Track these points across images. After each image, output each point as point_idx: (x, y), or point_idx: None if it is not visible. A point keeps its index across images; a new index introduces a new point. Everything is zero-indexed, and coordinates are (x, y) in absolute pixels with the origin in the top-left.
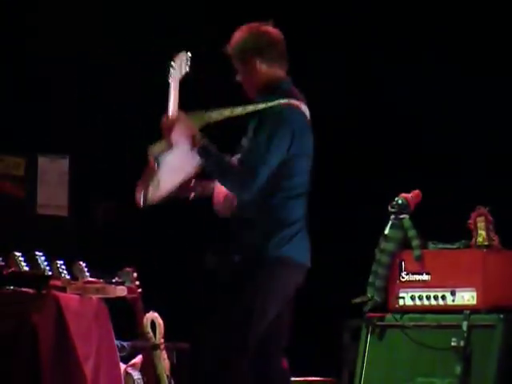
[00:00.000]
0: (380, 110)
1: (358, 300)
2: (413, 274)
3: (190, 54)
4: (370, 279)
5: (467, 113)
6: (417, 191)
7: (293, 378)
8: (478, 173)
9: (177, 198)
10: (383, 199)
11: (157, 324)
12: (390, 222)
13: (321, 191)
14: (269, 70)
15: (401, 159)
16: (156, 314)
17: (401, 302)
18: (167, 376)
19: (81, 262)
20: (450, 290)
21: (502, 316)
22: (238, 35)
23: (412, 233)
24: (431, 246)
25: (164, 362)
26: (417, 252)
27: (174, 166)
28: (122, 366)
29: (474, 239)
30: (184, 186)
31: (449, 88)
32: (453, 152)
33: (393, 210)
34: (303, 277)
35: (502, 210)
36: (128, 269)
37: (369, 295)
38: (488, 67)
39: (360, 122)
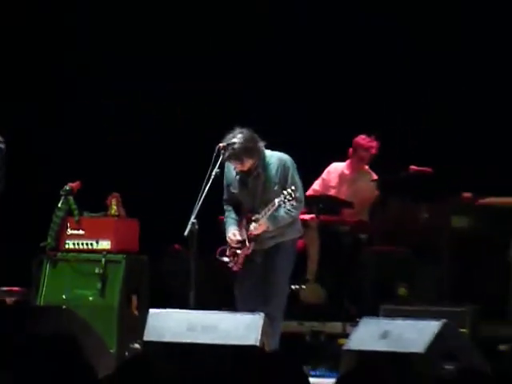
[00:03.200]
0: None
1: (43, 244)
2: (74, 229)
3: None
4: (50, 232)
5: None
6: (78, 182)
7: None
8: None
9: None
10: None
11: None
12: (61, 199)
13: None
14: None
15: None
16: None
17: (67, 246)
18: None
19: None
20: (95, 240)
21: (124, 256)
22: None
23: (74, 207)
24: (85, 214)
25: None
26: (76, 218)
27: None
28: None
29: (109, 211)
30: None
31: None
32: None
33: (63, 192)
34: None
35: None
36: None
37: (49, 240)
38: None
39: None
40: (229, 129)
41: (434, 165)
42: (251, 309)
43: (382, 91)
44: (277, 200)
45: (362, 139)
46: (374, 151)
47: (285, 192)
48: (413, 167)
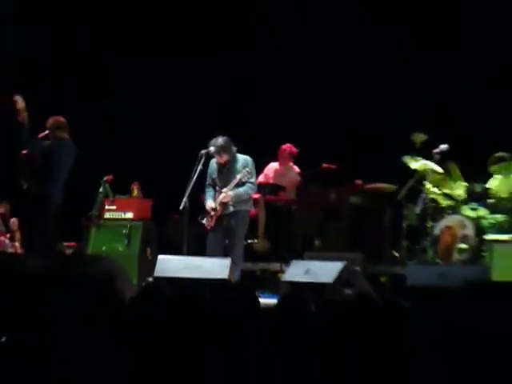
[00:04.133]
0: None
1: (90, 214)
2: (110, 206)
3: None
4: (94, 207)
5: None
6: (111, 175)
7: (66, 243)
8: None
9: None
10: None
11: None
12: (101, 186)
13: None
14: None
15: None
16: None
17: (106, 216)
18: None
19: None
20: (123, 212)
21: (142, 222)
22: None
23: (109, 191)
24: (117, 196)
25: None
26: (111, 198)
27: None
28: None
29: (132, 194)
30: None
31: None
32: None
33: (102, 182)
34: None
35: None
36: None
37: (94, 212)
38: None
39: None
40: (218, 132)
41: (337, 163)
42: (216, 252)
43: (303, 104)
44: (238, 176)
45: (284, 146)
46: (293, 154)
47: (244, 171)
48: (324, 165)
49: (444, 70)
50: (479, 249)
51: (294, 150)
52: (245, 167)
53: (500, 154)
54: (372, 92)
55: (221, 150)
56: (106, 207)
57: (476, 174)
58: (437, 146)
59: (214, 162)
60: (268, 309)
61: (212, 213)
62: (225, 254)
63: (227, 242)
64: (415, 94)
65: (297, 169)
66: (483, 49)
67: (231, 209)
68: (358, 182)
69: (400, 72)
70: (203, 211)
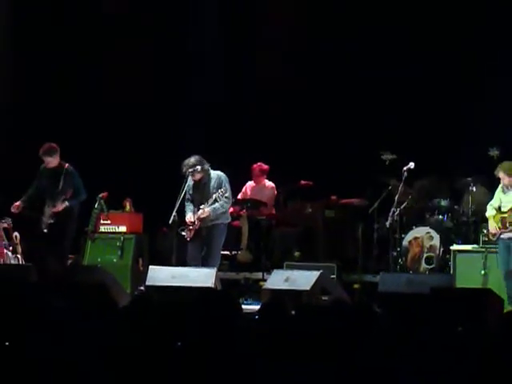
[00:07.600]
0: None
1: (86, 229)
2: (104, 220)
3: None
4: (90, 222)
5: None
6: (106, 192)
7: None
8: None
9: None
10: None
11: None
12: (97, 202)
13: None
14: None
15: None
16: None
17: (101, 229)
18: None
19: None
20: (117, 226)
21: (134, 235)
22: None
23: (104, 207)
24: (111, 211)
25: None
26: (106, 213)
27: None
28: None
29: (125, 209)
30: None
31: None
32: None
33: (97, 198)
34: None
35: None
36: None
37: (90, 227)
38: None
39: None
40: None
41: (313, 179)
42: (194, 261)
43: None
44: (214, 195)
45: (255, 165)
46: (263, 171)
47: (219, 191)
48: (302, 181)
49: (412, 96)
50: (444, 258)
51: (264, 166)
52: (219, 184)
53: None
54: (346, 114)
55: (194, 170)
56: (102, 221)
57: (440, 189)
58: (405, 164)
59: (190, 180)
60: (251, 314)
61: (191, 227)
62: (202, 263)
63: (204, 251)
64: (386, 117)
65: (271, 184)
66: (448, 74)
67: (209, 223)
68: (333, 197)
69: (372, 97)
70: (184, 224)
